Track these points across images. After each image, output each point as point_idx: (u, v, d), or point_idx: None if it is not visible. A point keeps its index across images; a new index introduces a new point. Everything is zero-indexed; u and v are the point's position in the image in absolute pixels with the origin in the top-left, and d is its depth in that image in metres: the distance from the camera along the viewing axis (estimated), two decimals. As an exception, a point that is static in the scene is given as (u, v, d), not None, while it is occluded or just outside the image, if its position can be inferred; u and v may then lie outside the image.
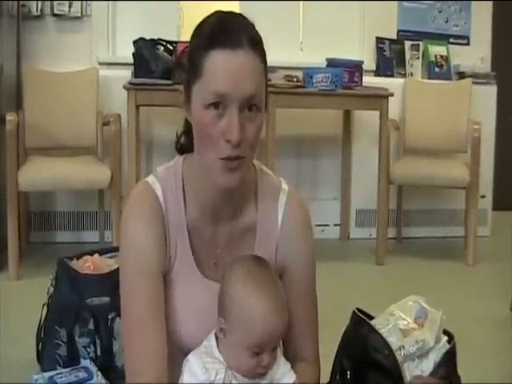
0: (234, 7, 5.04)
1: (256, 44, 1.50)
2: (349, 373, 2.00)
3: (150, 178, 1.65)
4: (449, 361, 1.88)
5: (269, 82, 1.58)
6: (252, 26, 1.54)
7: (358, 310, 2.12)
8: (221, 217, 1.64)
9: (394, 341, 1.92)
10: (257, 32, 1.54)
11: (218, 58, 1.46)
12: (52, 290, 2.68)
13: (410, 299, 2.14)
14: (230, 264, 1.59)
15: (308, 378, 1.71)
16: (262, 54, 1.52)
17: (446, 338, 2.11)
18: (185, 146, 1.69)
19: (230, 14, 1.56)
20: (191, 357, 1.55)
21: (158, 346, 1.54)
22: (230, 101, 1.45)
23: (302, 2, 5.40)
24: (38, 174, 4.10)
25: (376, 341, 1.92)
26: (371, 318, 2.09)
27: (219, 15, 1.56)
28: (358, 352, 1.96)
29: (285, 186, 1.73)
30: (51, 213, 4.87)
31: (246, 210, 1.67)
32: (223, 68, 1.45)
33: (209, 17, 1.55)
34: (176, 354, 1.59)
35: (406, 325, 1.97)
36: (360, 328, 2.05)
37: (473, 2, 5.73)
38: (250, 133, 1.49)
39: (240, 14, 1.56)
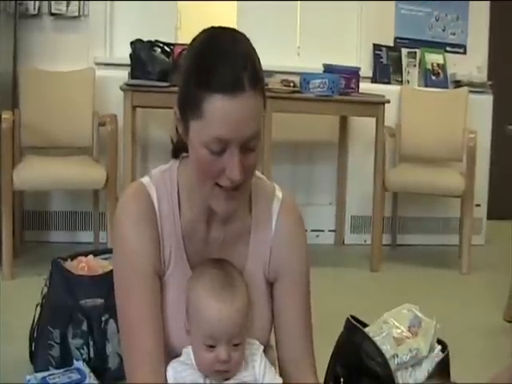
0: (232, 10, 5.04)
1: (257, 82, 1.45)
2: (342, 380, 2.00)
3: (145, 180, 1.63)
4: (442, 370, 1.88)
5: (265, 87, 1.56)
6: (250, 52, 1.48)
7: (352, 317, 2.12)
8: (214, 221, 1.64)
9: (387, 349, 1.92)
10: (256, 59, 1.48)
11: (219, 105, 1.41)
12: (46, 290, 2.67)
13: (403, 307, 2.14)
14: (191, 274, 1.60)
15: None
16: (262, 88, 1.48)
17: (439, 347, 2.12)
18: (180, 150, 1.68)
19: (228, 40, 1.48)
20: (169, 368, 1.56)
21: (154, 347, 1.55)
22: (231, 143, 1.43)
23: (299, 7, 5.40)
24: (33, 173, 4.10)
25: (370, 348, 1.92)
26: (365, 325, 2.10)
27: (215, 40, 1.48)
28: (351, 359, 1.97)
29: (278, 193, 1.72)
30: (46, 212, 4.86)
31: (239, 214, 1.66)
32: (224, 115, 1.41)
33: (205, 40, 1.49)
34: (165, 356, 1.59)
35: (400, 333, 1.97)
36: (354, 335, 2.05)
37: (470, 11, 5.75)
38: (249, 162, 1.47)
39: (237, 37, 1.49)
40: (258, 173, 1.73)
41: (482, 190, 5.44)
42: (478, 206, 5.28)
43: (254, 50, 1.48)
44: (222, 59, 1.43)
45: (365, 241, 5.15)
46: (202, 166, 1.48)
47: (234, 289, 1.54)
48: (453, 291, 4.21)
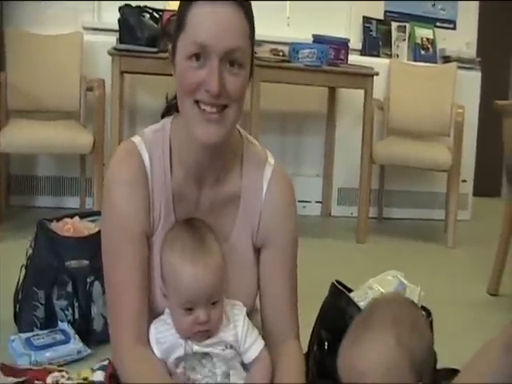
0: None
1: (241, 0, 1.49)
2: (326, 343, 2.01)
3: (137, 139, 1.64)
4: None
5: (254, 55, 1.57)
6: None
7: (338, 282, 2.13)
8: (205, 181, 1.64)
9: (372, 314, 1.92)
10: None
11: (201, 9, 1.46)
12: (31, 251, 2.66)
13: (388, 274, 2.16)
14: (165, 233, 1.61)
15: (299, 356, 1.72)
16: (248, 12, 1.51)
17: (423, 313, 2.13)
18: (173, 108, 1.68)
19: None
20: (151, 328, 1.58)
21: (139, 308, 1.57)
22: (211, 52, 1.45)
23: (290, -23, 5.36)
24: (20, 136, 4.05)
25: (354, 313, 1.93)
26: (350, 290, 2.11)
27: None
28: (336, 323, 1.97)
29: (271, 160, 1.73)
30: (32, 177, 4.83)
31: (230, 177, 1.67)
32: (205, 18, 1.46)
33: None
34: (149, 313, 1.61)
35: (385, 299, 1.98)
36: (339, 300, 2.06)
37: (460, -13, 5.74)
38: (230, 85, 1.48)
39: None
40: (251, 138, 1.74)
41: (469, 166, 5.45)
42: (464, 181, 5.30)
43: None
44: None
45: (351, 213, 5.16)
46: (183, 79, 1.50)
47: (206, 250, 1.54)
48: (438, 264, 4.23)
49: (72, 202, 4.77)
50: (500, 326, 2.99)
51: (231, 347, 1.56)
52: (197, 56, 1.46)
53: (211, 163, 1.62)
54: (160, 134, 1.64)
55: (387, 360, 1.32)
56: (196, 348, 1.53)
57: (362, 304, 1.96)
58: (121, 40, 4.29)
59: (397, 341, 1.32)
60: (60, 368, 2.27)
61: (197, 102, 1.49)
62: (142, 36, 4.20)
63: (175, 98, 1.62)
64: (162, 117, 1.72)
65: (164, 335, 1.55)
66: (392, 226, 5.18)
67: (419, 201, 5.51)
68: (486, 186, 6.03)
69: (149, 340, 1.56)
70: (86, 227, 2.71)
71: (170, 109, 1.69)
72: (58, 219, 2.76)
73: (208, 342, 1.54)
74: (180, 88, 1.52)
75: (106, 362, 2.11)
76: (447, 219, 4.84)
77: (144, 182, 1.59)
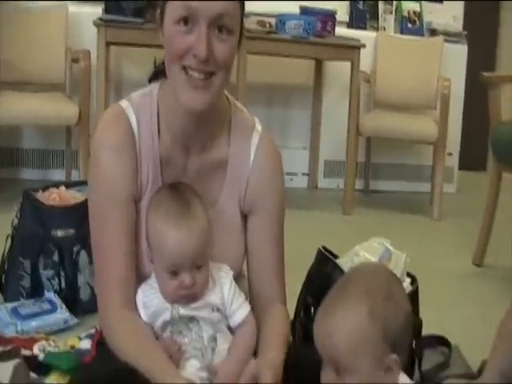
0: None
1: None
2: (312, 309, 2.02)
3: (124, 104, 1.63)
4: (411, 302, 1.89)
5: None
6: None
7: (324, 248, 2.14)
8: (192, 147, 1.64)
9: (357, 280, 1.93)
10: None
11: None
12: (16, 221, 2.65)
13: (375, 241, 2.17)
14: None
15: (286, 319, 1.72)
16: None
17: (409, 280, 2.15)
18: (160, 74, 1.67)
19: None
20: (138, 291, 1.58)
21: (126, 273, 1.57)
22: (199, 16, 1.45)
23: None
24: (5, 107, 4.00)
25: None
26: (336, 257, 2.12)
27: None
28: (322, 289, 1.97)
29: (258, 126, 1.73)
30: (18, 150, 4.79)
31: (217, 143, 1.67)
32: None
33: None
34: (137, 279, 1.61)
35: (371, 265, 1.99)
36: (325, 265, 2.08)
37: (447, -40, 5.71)
38: (219, 52, 1.48)
39: None
40: (239, 104, 1.75)
41: (455, 139, 5.46)
42: (450, 154, 5.31)
43: None
44: None
45: (338, 185, 5.16)
46: (171, 44, 1.49)
47: (190, 215, 1.53)
48: (424, 236, 4.25)
49: (58, 175, 4.75)
50: (485, 295, 3.03)
51: (218, 310, 1.56)
52: (185, 20, 1.46)
53: (197, 131, 1.62)
54: (148, 99, 1.64)
55: (358, 330, 1.32)
56: (182, 312, 1.53)
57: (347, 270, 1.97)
58: (106, 11, 4.26)
59: (369, 311, 1.32)
60: (47, 337, 2.28)
61: (184, 68, 1.49)
62: (128, 6, 4.17)
63: (163, 63, 1.61)
64: (149, 82, 1.71)
65: (150, 299, 1.55)
66: (378, 199, 5.19)
67: (405, 173, 5.51)
68: (471, 159, 6.03)
69: (136, 305, 1.56)
70: (72, 196, 2.70)
71: (158, 74, 1.68)
72: (44, 189, 2.75)
73: (194, 305, 1.54)
74: (168, 53, 1.52)
75: (93, 331, 2.12)
76: (433, 192, 4.87)
77: (131, 146, 1.59)
